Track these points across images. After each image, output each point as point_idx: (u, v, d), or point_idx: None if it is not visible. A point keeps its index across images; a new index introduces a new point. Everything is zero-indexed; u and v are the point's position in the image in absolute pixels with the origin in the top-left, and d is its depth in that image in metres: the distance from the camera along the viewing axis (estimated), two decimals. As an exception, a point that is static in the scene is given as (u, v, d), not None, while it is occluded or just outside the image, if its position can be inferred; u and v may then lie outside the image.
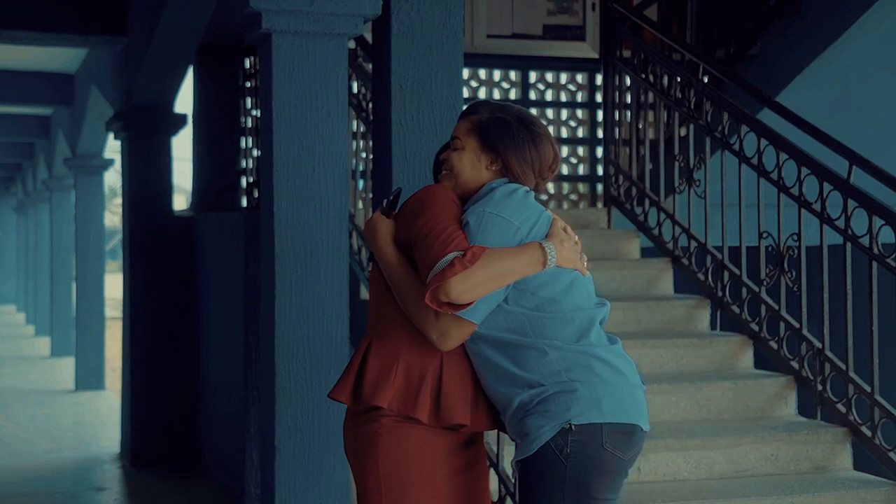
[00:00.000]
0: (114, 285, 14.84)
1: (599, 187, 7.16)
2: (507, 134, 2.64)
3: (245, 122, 6.78)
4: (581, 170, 7.60)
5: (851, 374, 4.30)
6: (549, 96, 7.54)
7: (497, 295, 2.51)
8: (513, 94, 7.44)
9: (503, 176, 2.66)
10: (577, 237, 2.64)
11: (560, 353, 2.53)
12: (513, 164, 2.63)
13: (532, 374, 2.53)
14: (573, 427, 2.47)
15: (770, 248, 4.61)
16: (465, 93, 7.02)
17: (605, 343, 2.60)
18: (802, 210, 4.48)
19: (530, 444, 2.50)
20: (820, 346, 4.42)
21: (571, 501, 2.49)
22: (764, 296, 4.69)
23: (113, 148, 13.27)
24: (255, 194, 6.61)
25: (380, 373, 2.53)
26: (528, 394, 2.53)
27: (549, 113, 7.53)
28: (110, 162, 11.61)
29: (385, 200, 2.72)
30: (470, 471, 2.67)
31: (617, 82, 5.85)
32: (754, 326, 4.74)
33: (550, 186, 7.56)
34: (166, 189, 7.47)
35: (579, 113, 7.59)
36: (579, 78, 7.57)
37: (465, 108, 2.77)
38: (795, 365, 4.54)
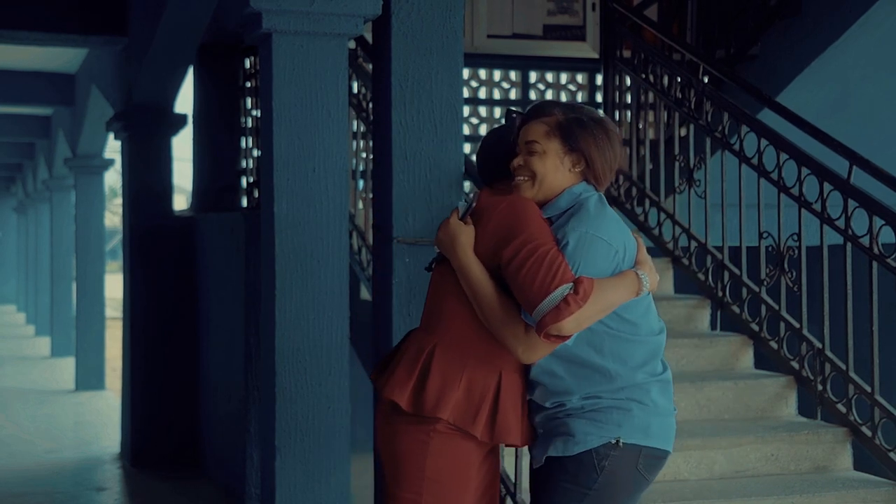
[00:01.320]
0: (114, 285, 14.83)
1: (600, 187, 7.14)
2: (589, 133, 2.60)
3: (245, 122, 6.78)
4: (581, 170, 7.59)
5: (852, 374, 4.29)
6: (549, 96, 7.54)
7: None
8: (513, 95, 7.44)
9: (585, 177, 2.62)
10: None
11: (626, 375, 2.56)
12: (596, 164, 2.59)
13: (591, 388, 2.56)
14: (621, 444, 2.52)
15: (770, 249, 4.60)
16: (466, 93, 7.02)
17: (661, 370, 2.65)
18: (803, 210, 4.48)
19: (572, 445, 2.53)
20: (820, 346, 4.42)
21: None
22: (764, 296, 4.69)
23: (113, 148, 13.24)
24: (256, 194, 6.61)
25: (444, 383, 2.49)
26: (581, 402, 2.56)
27: (550, 113, 7.52)
28: (110, 162, 11.61)
29: (463, 206, 2.62)
30: (493, 473, 2.70)
31: (617, 82, 5.85)
32: (754, 326, 4.74)
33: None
34: (166, 189, 7.47)
35: (579, 113, 7.58)
36: (579, 78, 7.57)
37: (528, 109, 2.69)
38: (796, 365, 4.54)
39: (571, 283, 2.39)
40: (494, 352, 2.52)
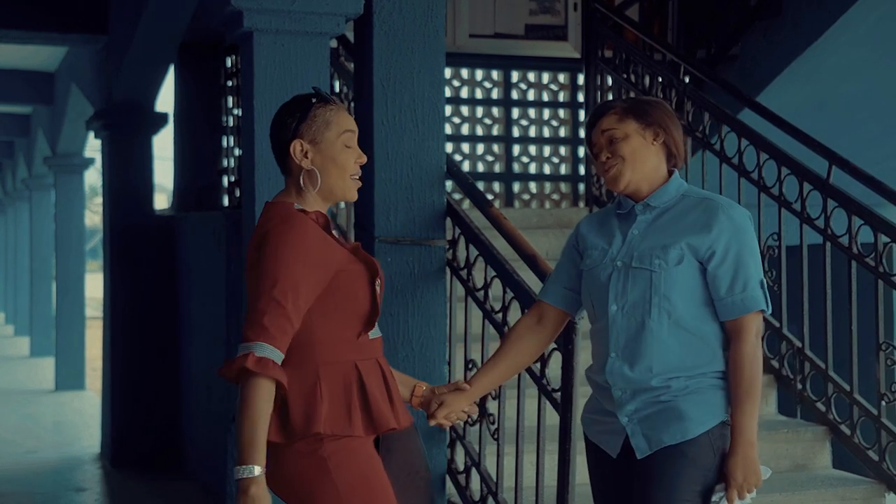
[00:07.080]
0: (94, 285, 14.76)
1: (581, 187, 7.17)
2: (657, 107, 2.64)
3: (226, 121, 6.75)
4: (563, 169, 7.61)
5: (831, 373, 4.32)
6: (531, 96, 7.55)
7: None
8: (495, 94, 7.45)
9: (667, 148, 2.64)
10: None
11: (719, 354, 2.58)
12: (673, 133, 2.63)
13: (697, 361, 2.56)
14: (727, 423, 2.57)
15: (750, 248, 4.62)
16: (448, 92, 7.01)
17: None
18: (782, 210, 4.50)
19: (692, 428, 2.53)
20: (800, 345, 4.44)
21: (706, 488, 2.55)
22: (744, 295, 4.70)
23: (93, 147, 13.19)
24: (237, 193, 6.58)
25: (305, 401, 2.40)
26: (686, 382, 2.55)
27: (532, 112, 7.54)
28: (91, 161, 11.55)
29: None
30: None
31: (598, 82, 5.86)
32: (735, 325, 4.75)
33: (533, 186, 7.58)
34: (147, 188, 7.43)
35: (561, 113, 7.60)
36: (561, 78, 7.59)
37: (591, 115, 2.70)
38: (776, 364, 4.56)
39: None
40: (343, 346, 2.44)
